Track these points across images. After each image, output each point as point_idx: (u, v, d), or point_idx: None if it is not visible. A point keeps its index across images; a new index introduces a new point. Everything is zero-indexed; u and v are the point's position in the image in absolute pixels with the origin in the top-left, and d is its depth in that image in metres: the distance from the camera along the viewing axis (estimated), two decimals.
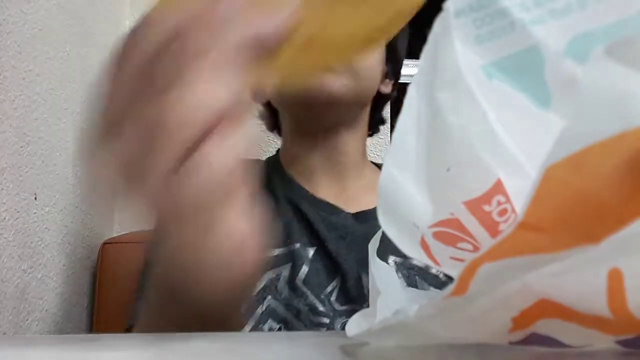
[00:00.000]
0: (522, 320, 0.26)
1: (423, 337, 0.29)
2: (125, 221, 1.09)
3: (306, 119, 0.78)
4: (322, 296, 0.66)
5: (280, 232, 0.70)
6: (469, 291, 0.24)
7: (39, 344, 0.38)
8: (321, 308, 0.65)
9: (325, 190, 0.77)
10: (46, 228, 0.71)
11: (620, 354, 0.28)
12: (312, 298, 0.65)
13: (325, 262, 0.69)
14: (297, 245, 0.70)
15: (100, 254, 0.92)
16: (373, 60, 0.77)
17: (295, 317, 0.64)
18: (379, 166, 0.86)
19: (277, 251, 0.69)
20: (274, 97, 0.79)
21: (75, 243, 0.84)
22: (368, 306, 0.65)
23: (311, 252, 0.69)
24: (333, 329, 0.65)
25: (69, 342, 0.40)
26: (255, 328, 0.63)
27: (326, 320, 0.64)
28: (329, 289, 0.67)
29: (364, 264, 0.69)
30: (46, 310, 0.72)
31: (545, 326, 0.27)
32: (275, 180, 0.78)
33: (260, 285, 0.66)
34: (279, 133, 0.88)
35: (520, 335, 0.28)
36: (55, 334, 0.75)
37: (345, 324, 0.63)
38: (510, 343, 0.28)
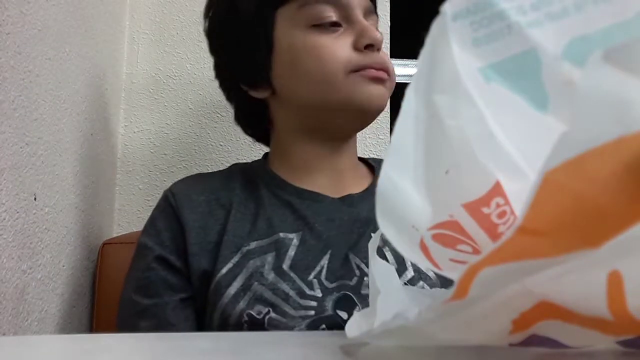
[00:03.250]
0: (522, 322, 0.26)
1: (423, 339, 0.29)
2: (125, 221, 1.09)
3: (331, 127, 0.76)
4: (309, 279, 0.67)
5: (263, 226, 0.71)
6: (468, 295, 0.24)
7: (39, 344, 0.38)
8: (309, 292, 0.66)
9: (316, 184, 0.77)
10: (46, 229, 0.71)
11: (620, 354, 0.28)
12: (299, 282, 0.67)
13: (313, 242, 0.70)
14: (281, 234, 0.70)
15: (100, 254, 0.92)
16: None
17: (283, 301, 0.65)
18: (363, 160, 0.86)
19: (260, 242, 0.70)
20: (300, 100, 0.74)
21: (75, 243, 0.83)
22: (356, 282, 0.66)
23: (296, 238, 0.70)
24: (322, 308, 0.65)
25: (69, 342, 0.40)
26: (243, 313, 0.64)
27: (314, 303, 0.65)
28: (317, 268, 0.69)
29: (351, 244, 0.70)
30: (46, 310, 0.71)
31: (545, 328, 0.27)
32: (262, 181, 0.78)
33: (247, 273, 0.67)
34: (259, 137, 0.86)
35: (520, 337, 0.28)
36: (55, 334, 0.75)
37: (336, 301, 0.65)
38: (511, 345, 0.28)
